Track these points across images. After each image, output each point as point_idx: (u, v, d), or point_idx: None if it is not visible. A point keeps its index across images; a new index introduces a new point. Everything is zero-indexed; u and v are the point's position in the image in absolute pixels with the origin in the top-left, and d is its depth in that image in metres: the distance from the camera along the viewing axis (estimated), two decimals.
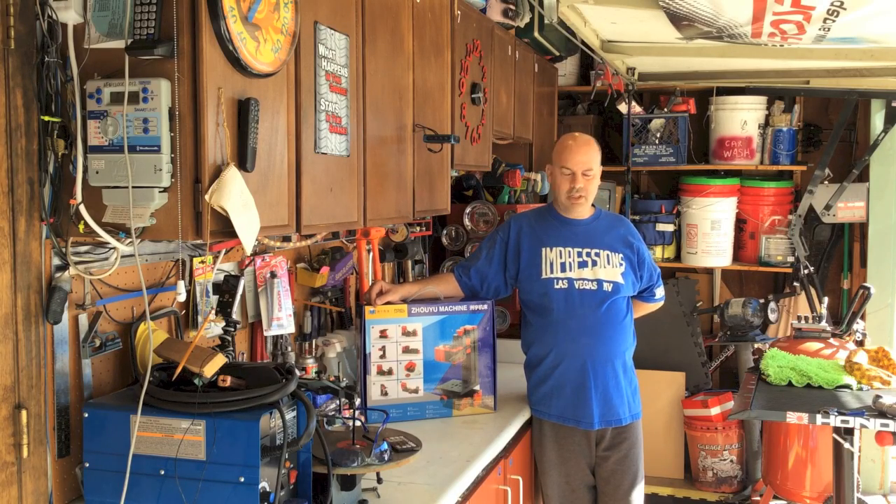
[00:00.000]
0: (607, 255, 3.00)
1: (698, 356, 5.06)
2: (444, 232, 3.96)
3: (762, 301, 4.78)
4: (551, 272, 2.95)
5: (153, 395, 1.83)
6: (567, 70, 5.21)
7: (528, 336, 3.07)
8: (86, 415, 1.88)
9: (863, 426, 3.04)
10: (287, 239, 2.75)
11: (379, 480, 2.22)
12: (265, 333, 2.65)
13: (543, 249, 2.99)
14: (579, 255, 2.98)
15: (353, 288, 3.30)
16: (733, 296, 5.30)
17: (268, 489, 1.81)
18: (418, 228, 3.70)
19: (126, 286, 2.11)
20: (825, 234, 5.15)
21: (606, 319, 2.96)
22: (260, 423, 1.77)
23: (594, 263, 2.97)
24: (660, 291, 3.19)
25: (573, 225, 3.04)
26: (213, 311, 2.36)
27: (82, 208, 1.75)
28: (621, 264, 3.00)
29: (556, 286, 2.94)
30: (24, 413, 1.79)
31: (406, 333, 2.85)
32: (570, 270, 2.96)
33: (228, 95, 1.78)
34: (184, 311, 2.34)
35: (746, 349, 4.92)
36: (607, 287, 2.95)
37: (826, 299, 4.41)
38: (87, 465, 1.88)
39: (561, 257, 2.98)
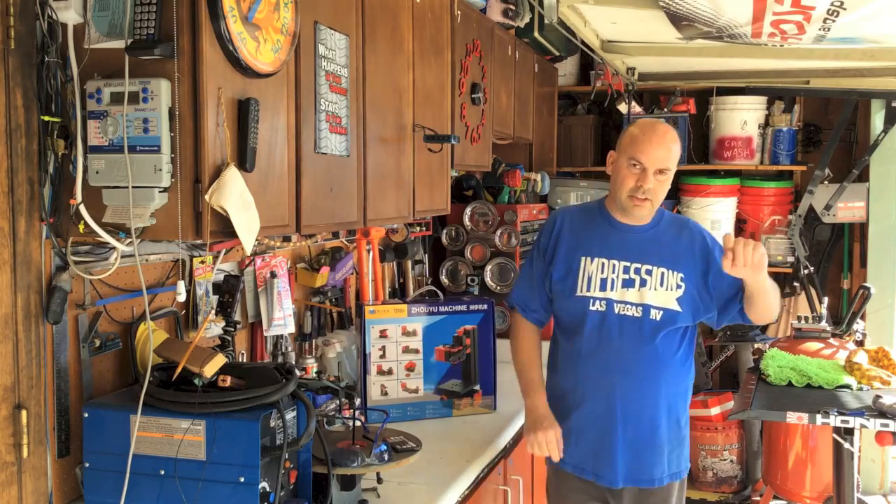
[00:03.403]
0: (662, 274, 2.39)
1: (698, 356, 5.06)
2: (444, 232, 3.96)
3: None
4: (588, 289, 2.39)
5: (153, 395, 1.83)
6: (567, 70, 5.21)
7: (553, 358, 2.56)
8: (86, 415, 1.88)
9: (863, 426, 3.04)
10: (287, 239, 2.75)
11: (379, 480, 2.22)
12: (265, 333, 2.65)
13: (583, 259, 2.42)
14: (626, 270, 2.39)
15: (353, 288, 3.30)
16: None
17: (268, 489, 1.81)
18: (418, 228, 3.70)
19: (126, 286, 2.11)
20: (825, 234, 5.15)
21: (650, 355, 2.39)
22: (260, 423, 1.77)
23: (642, 283, 2.38)
24: None
25: (625, 231, 2.44)
26: (213, 311, 2.36)
27: (82, 208, 1.75)
28: (679, 286, 2.38)
29: (593, 307, 2.39)
30: (24, 413, 1.79)
31: (406, 333, 2.85)
32: (612, 290, 2.38)
33: (228, 95, 1.78)
34: (184, 311, 2.34)
35: (746, 349, 4.92)
36: (655, 315, 2.37)
37: (826, 299, 4.41)
38: (87, 465, 1.88)
39: (602, 271, 2.40)
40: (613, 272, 2.40)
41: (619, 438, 2.40)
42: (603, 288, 2.39)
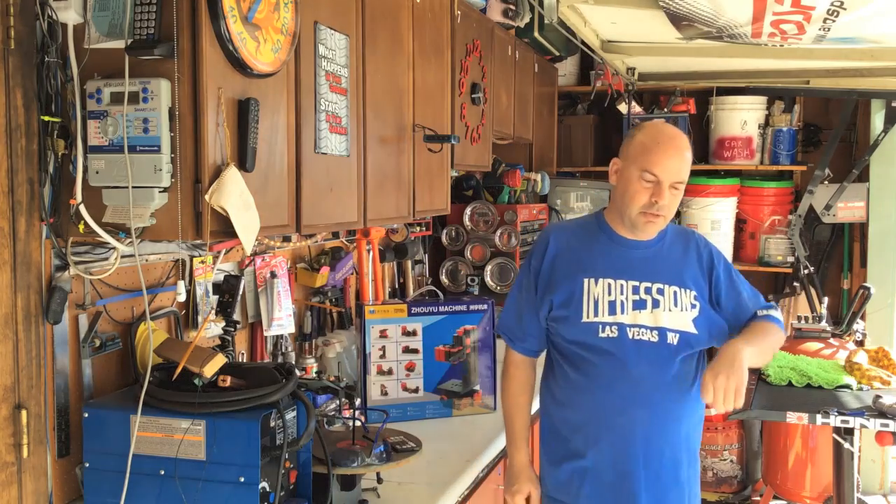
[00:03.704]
0: (675, 293, 2.16)
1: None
2: (444, 232, 3.96)
3: None
4: (596, 314, 2.14)
5: (153, 396, 1.83)
6: (567, 70, 5.21)
7: (555, 389, 2.25)
8: (86, 415, 1.88)
9: (863, 426, 3.04)
10: (287, 239, 2.75)
11: (379, 480, 2.22)
12: (265, 333, 2.65)
13: (586, 281, 2.16)
14: (635, 290, 2.15)
15: (353, 288, 3.30)
16: None
17: (268, 489, 1.81)
18: (418, 228, 3.70)
19: (126, 286, 2.11)
20: (825, 234, 5.15)
21: (671, 385, 2.15)
22: (260, 423, 1.77)
23: (655, 304, 2.14)
24: (777, 314, 2.26)
25: (630, 248, 2.21)
26: (213, 311, 2.36)
27: (82, 208, 1.75)
28: (694, 305, 2.16)
29: (602, 334, 2.13)
30: (24, 413, 1.78)
31: (406, 333, 2.85)
32: (623, 313, 2.13)
33: (228, 95, 1.78)
34: (184, 311, 2.34)
35: None
36: (672, 339, 2.13)
37: (826, 299, 4.41)
38: (87, 465, 1.88)
39: (610, 293, 2.15)
40: (622, 294, 2.15)
41: (640, 481, 2.14)
42: (612, 312, 2.13)
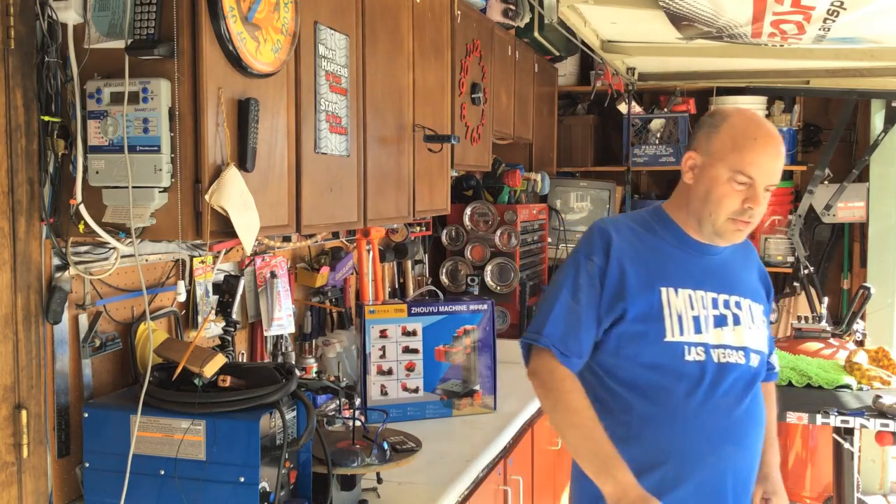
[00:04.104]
0: (750, 307, 1.90)
1: None
2: (444, 232, 3.96)
3: None
4: (681, 332, 1.81)
5: (153, 395, 1.83)
6: (567, 70, 5.21)
7: (615, 425, 1.83)
8: (86, 415, 1.88)
9: (863, 426, 3.04)
10: (287, 239, 2.75)
11: (379, 480, 2.21)
12: (265, 333, 2.65)
13: (664, 291, 1.83)
14: (714, 304, 1.85)
15: (353, 288, 3.30)
16: None
17: (268, 489, 1.81)
18: (418, 228, 3.70)
19: (126, 286, 2.11)
20: (825, 234, 5.15)
21: (758, 415, 1.91)
22: (260, 423, 1.77)
23: (736, 320, 1.85)
24: (775, 359, 2.10)
25: (704, 253, 1.91)
26: (213, 311, 2.36)
27: (82, 208, 1.75)
28: (763, 321, 1.94)
29: (689, 356, 1.81)
30: (24, 413, 1.78)
31: (406, 333, 2.85)
32: (706, 331, 1.83)
33: (228, 95, 1.78)
34: (184, 311, 2.34)
35: None
36: (754, 360, 1.87)
37: (826, 299, 4.41)
38: (87, 465, 1.88)
39: (692, 307, 1.84)
40: (703, 307, 1.84)
41: None
42: (698, 330, 1.82)
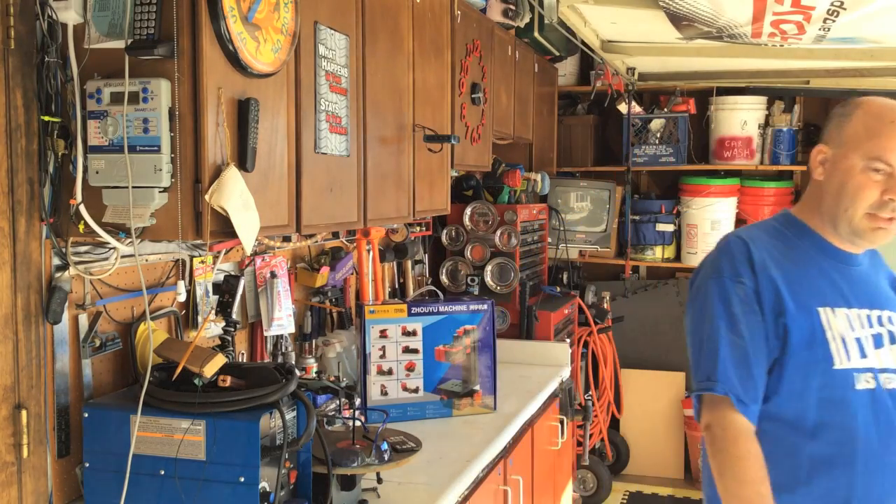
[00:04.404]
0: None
1: None
2: (444, 232, 3.96)
3: None
4: (849, 358, 1.61)
5: (153, 395, 1.83)
6: (567, 70, 5.21)
7: (775, 471, 1.61)
8: (86, 415, 1.88)
9: None
10: (287, 239, 2.75)
11: (379, 480, 2.22)
12: (265, 333, 2.65)
13: (822, 312, 1.64)
14: (869, 321, 1.66)
15: (353, 288, 3.30)
16: None
17: (268, 489, 1.81)
18: (418, 228, 3.70)
19: (126, 286, 2.11)
20: None
21: None
22: (260, 423, 1.77)
23: (892, 339, 1.66)
24: None
25: (849, 263, 1.72)
26: (213, 311, 2.36)
27: (82, 208, 1.75)
28: None
29: (859, 385, 1.62)
30: (24, 413, 1.78)
31: (406, 333, 2.85)
32: (870, 355, 1.64)
33: (228, 95, 1.78)
34: (184, 311, 2.34)
35: None
36: None
37: None
38: (87, 465, 1.88)
39: (852, 328, 1.64)
40: (862, 327, 1.64)
41: None
42: (863, 354, 1.62)
